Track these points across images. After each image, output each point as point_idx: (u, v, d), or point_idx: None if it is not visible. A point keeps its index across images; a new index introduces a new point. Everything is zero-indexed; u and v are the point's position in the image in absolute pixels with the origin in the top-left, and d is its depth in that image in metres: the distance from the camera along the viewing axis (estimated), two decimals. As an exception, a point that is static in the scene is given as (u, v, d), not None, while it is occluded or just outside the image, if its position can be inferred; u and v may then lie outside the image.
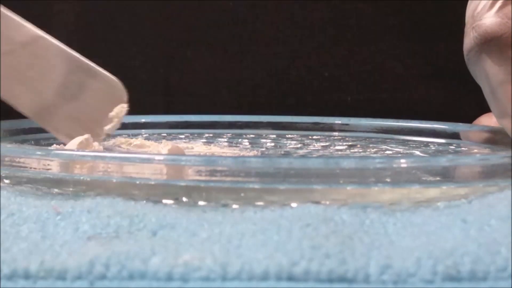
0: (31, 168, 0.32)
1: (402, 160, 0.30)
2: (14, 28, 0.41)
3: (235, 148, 0.45)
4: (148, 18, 0.57)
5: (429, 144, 0.46)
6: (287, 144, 0.47)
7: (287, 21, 0.56)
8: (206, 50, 0.57)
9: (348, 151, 0.44)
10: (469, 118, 0.48)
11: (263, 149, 0.45)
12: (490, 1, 0.37)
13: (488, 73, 0.36)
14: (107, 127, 0.42)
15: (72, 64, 0.42)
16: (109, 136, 0.42)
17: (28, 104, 0.42)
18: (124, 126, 0.49)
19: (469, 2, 0.39)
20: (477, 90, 0.38)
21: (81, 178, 0.31)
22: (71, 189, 0.31)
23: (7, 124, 0.46)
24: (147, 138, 0.47)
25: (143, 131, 0.49)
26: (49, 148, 0.42)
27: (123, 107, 0.42)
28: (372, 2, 0.56)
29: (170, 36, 0.57)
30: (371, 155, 0.43)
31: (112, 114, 0.42)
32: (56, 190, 0.31)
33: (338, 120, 0.50)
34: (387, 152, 0.44)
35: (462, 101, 0.55)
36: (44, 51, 0.42)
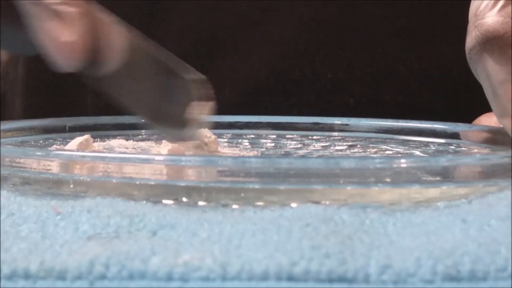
0: (31, 168, 0.32)
1: (402, 160, 0.30)
2: (116, 33, 0.40)
3: (235, 148, 0.45)
4: (160, 18, 0.57)
5: (429, 144, 0.46)
6: (287, 144, 0.47)
7: (294, 22, 0.56)
8: (216, 50, 0.57)
9: (348, 151, 0.44)
10: (470, 120, 0.48)
11: (263, 149, 0.45)
12: (493, 0, 0.37)
13: (489, 72, 0.36)
14: (195, 128, 0.41)
15: (159, 64, 0.41)
16: (199, 137, 0.42)
17: (144, 108, 0.42)
18: (124, 126, 0.49)
19: (472, 1, 0.39)
20: (480, 92, 0.38)
21: (81, 178, 0.31)
22: (70, 189, 0.31)
23: (8, 124, 0.46)
24: (147, 139, 0.47)
25: (143, 131, 0.49)
26: (49, 148, 0.42)
27: (204, 105, 0.41)
28: (379, 5, 0.56)
29: (183, 36, 0.57)
30: (371, 155, 0.43)
31: (196, 113, 0.41)
32: (56, 190, 0.31)
33: (338, 120, 0.50)
34: (387, 152, 0.44)
35: (465, 105, 0.55)
36: (140, 55, 0.41)
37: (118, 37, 0.40)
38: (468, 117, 0.48)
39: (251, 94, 0.57)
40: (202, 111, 0.41)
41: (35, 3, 0.38)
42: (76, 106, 0.60)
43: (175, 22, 0.57)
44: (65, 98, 0.61)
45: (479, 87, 0.39)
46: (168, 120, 0.42)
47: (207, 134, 0.42)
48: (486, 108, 0.39)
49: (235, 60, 0.57)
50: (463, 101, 0.57)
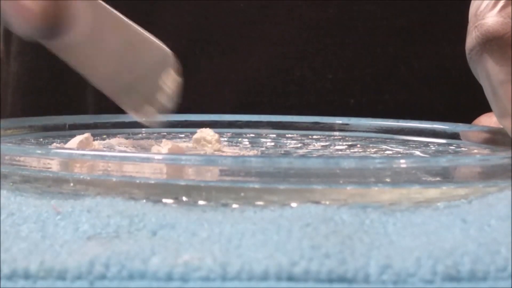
0: (31, 166, 0.32)
1: (402, 160, 0.30)
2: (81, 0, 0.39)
3: (235, 147, 0.45)
4: (158, 16, 0.57)
5: (429, 144, 0.46)
6: (287, 144, 0.47)
7: (294, 21, 0.56)
8: (214, 50, 0.57)
9: (348, 151, 0.44)
10: (470, 120, 0.48)
11: (263, 149, 0.45)
12: (493, 1, 0.37)
13: (489, 72, 0.36)
14: (163, 100, 0.40)
15: (127, 32, 0.40)
16: (167, 109, 0.41)
17: (100, 78, 0.41)
18: (124, 125, 0.49)
19: (472, 1, 0.39)
20: (480, 92, 0.38)
21: (81, 177, 0.31)
22: (70, 187, 0.31)
23: (8, 123, 0.46)
24: (147, 137, 0.47)
25: (143, 130, 0.49)
26: (49, 146, 0.42)
27: (173, 77, 0.40)
28: (379, 5, 0.56)
29: (179, 35, 0.57)
30: (371, 155, 0.43)
31: (164, 85, 0.40)
32: (55, 189, 0.31)
33: (338, 120, 0.50)
34: (387, 152, 0.44)
35: (465, 105, 0.55)
36: (105, 21, 0.40)
37: (83, 4, 0.39)
38: (468, 117, 0.48)
39: (251, 94, 0.57)
40: (172, 84, 0.41)
41: None
42: (77, 105, 0.60)
43: (173, 21, 0.57)
44: (65, 98, 0.61)
45: (479, 87, 0.39)
46: (136, 90, 0.41)
47: (210, 132, 0.42)
48: (486, 108, 0.39)
49: (234, 60, 0.57)
50: (463, 101, 0.57)
